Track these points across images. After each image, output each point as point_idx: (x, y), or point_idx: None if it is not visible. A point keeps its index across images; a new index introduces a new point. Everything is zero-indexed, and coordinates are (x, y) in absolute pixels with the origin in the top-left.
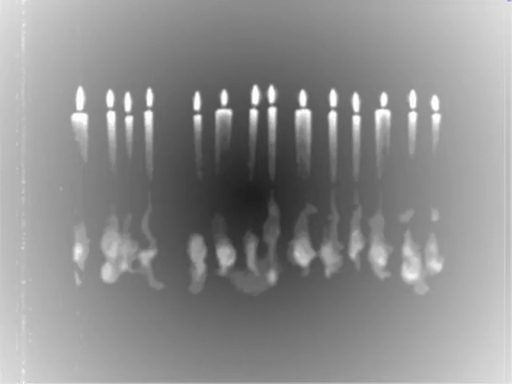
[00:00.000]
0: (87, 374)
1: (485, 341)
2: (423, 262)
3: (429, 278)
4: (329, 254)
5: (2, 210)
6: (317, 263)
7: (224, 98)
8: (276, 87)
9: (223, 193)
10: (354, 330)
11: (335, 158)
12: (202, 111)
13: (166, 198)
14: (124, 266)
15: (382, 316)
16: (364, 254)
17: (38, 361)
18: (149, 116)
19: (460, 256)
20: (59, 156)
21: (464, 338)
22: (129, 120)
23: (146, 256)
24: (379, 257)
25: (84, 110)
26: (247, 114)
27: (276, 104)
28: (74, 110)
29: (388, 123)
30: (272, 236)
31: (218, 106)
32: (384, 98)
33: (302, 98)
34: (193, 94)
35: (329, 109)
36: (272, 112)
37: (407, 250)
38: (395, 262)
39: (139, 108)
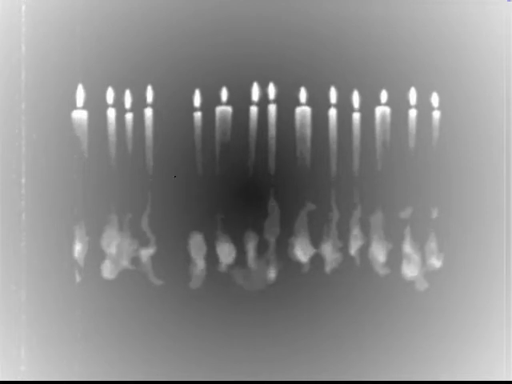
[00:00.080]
0: (87, 370)
1: (485, 338)
2: (423, 258)
3: (428, 275)
4: (329, 252)
5: (2, 208)
6: (317, 260)
7: (224, 94)
8: (276, 84)
9: (223, 190)
10: (354, 327)
11: (335, 155)
12: (202, 108)
13: (165, 195)
14: (124, 263)
15: (382, 313)
16: (364, 251)
17: (37, 358)
18: (149, 113)
19: (460, 253)
20: (59, 153)
21: (464, 334)
22: (129, 117)
23: (146, 253)
24: (379, 254)
25: (84, 107)
26: (247, 111)
27: (276, 101)
28: (74, 107)
29: (388, 120)
30: (272, 233)
31: (218, 102)
32: (384, 95)
33: (302, 95)
34: (193, 91)
35: (329, 106)
36: (272, 109)
37: (407, 247)
38: (395, 258)
39: (139, 105)
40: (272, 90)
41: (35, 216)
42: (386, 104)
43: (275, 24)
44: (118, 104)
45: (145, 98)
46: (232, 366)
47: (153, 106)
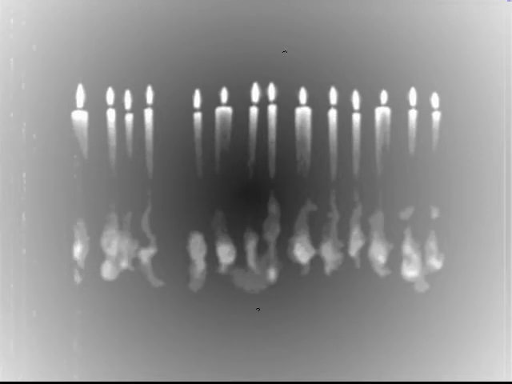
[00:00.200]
0: (87, 371)
1: (485, 338)
2: (423, 259)
3: (429, 276)
4: (329, 252)
5: (1, 208)
6: (317, 261)
7: (224, 95)
8: (276, 85)
9: (223, 190)
10: (353, 328)
11: (335, 156)
12: (202, 109)
13: (165, 195)
14: (124, 264)
15: (382, 313)
16: (364, 251)
17: (37, 358)
18: (149, 114)
19: (460, 253)
20: (59, 153)
21: (464, 335)
22: (129, 118)
23: (146, 254)
24: (379, 254)
25: (84, 108)
26: (247, 112)
27: (276, 102)
28: (74, 107)
29: (388, 121)
30: (272, 234)
31: (218, 103)
32: (384, 96)
33: (302, 95)
34: (193, 92)
35: (329, 106)
36: (272, 110)
37: (407, 248)
38: (395, 259)
39: (139, 106)
40: (272, 91)
41: (35, 216)
42: (386, 105)
43: (275, 24)
44: (118, 105)
45: (145, 99)
46: (232, 366)
47: (153, 106)
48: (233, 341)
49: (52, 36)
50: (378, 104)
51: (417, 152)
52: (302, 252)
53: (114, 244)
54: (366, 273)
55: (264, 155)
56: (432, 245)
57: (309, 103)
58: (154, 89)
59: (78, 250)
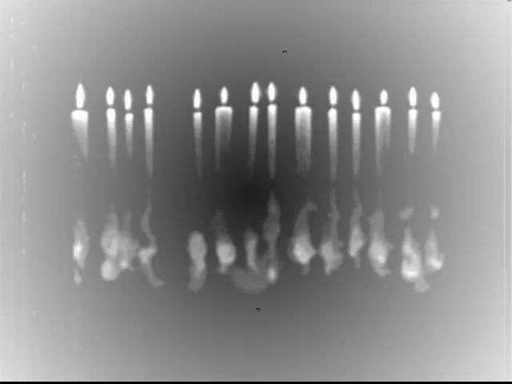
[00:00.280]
0: (87, 371)
1: (485, 338)
2: (423, 259)
3: (429, 276)
4: (329, 252)
5: (1, 208)
6: (317, 261)
7: (224, 95)
8: (276, 85)
9: (223, 190)
10: (353, 328)
11: (335, 156)
12: (202, 109)
13: (165, 195)
14: (124, 264)
15: (382, 313)
16: (364, 251)
17: (37, 358)
18: (149, 114)
19: (460, 253)
20: (59, 153)
21: (464, 335)
22: (129, 118)
23: (146, 254)
24: (379, 254)
25: (84, 108)
26: (247, 112)
27: (276, 102)
28: (74, 107)
29: (388, 121)
30: (272, 234)
31: (218, 103)
32: (384, 96)
33: (302, 95)
34: (193, 92)
35: (329, 106)
36: (272, 110)
37: (407, 248)
38: (395, 259)
39: (139, 106)
40: (272, 91)
41: (35, 216)
42: (386, 105)
43: (275, 24)
44: (118, 105)
45: (145, 99)
46: (232, 366)
47: (153, 106)
48: (233, 341)
49: (52, 36)
50: (378, 104)
51: (417, 152)
52: (301, 252)
53: (114, 244)
54: (366, 273)
55: (264, 155)
56: (432, 245)
57: (309, 103)
58: (153, 89)
59: (78, 249)
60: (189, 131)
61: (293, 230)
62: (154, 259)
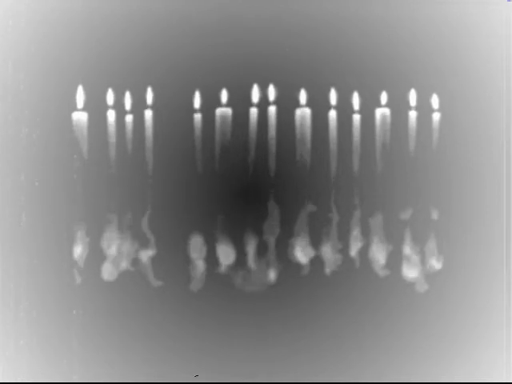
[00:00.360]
0: (87, 371)
1: (484, 340)
2: (423, 260)
3: (429, 276)
4: (329, 253)
5: (1, 209)
6: (317, 261)
7: (224, 96)
8: (276, 86)
9: (223, 191)
10: (353, 328)
11: (335, 157)
12: (202, 109)
13: (165, 196)
14: (124, 265)
15: (382, 314)
16: (364, 252)
17: (37, 359)
18: (149, 114)
19: (460, 254)
20: (59, 154)
21: (464, 335)
22: (129, 118)
23: (146, 254)
24: (379, 255)
25: (84, 109)
26: (247, 113)
27: (276, 102)
28: (74, 108)
29: (388, 121)
30: (272, 234)
31: (218, 104)
32: (384, 97)
33: (302, 96)
34: (193, 93)
35: (329, 107)
36: (272, 110)
37: (407, 249)
38: (395, 260)
39: (139, 106)
40: (272, 92)
41: (35, 217)
42: (386, 105)
43: (275, 25)
44: (118, 105)
45: (145, 100)
46: (231, 367)
47: (153, 107)
48: (233, 341)
49: (52, 36)
50: (378, 104)
51: (417, 153)
52: (301, 253)
53: (114, 244)
54: (366, 273)
55: (264, 156)
56: (432, 245)
57: (309, 104)
58: (154, 89)
59: (78, 250)
60: (189, 132)
61: (293, 230)
62: (154, 260)
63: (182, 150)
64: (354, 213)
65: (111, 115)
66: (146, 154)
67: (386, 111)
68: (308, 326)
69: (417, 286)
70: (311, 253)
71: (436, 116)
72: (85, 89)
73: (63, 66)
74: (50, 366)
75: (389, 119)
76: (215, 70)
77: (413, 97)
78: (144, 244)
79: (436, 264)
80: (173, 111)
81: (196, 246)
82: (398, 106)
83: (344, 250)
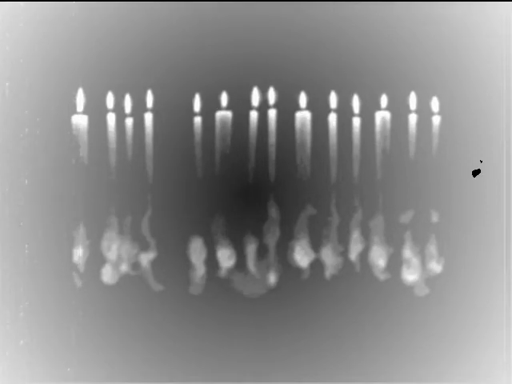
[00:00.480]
0: (87, 374)
1: (485, 341)
2: (423, 263)
3: (429, 280)
4: (329, 256)
5: (1, 211)
6: (317, 265)
7: (224, 99)
8: (276, 89)
9: (223, 194)
10: (353, 332)
11: (335, 160)
12: (202, 113)
13: (165, 199)
14: (124, 268)
15: (382, 317)
16: (364, 255)
17: (38, 362)
18: (149, 117)
19: (460, 257)
20: (59, 157)
21: (464, 339)
22: (129, 121)
23: (146, 257)
24: (379, 258)
25: (84, 112)
26: (247, 116)
27: (276, 105)
28: (74, 111)
29: (388, 125)
30: (272, 237)
31: (218, 107)
32: (384, 100)
33: (302, 99)
34: (193, 96)
35: (329, 110)
36: (272, 113)
37: (407, 252)
38: (395, 263)
39: (139, 109)
40: (272, 95)
41: (35, 220)
42: (386, 109)
43: (275, 27)
44: (118, 108)
45: (145, 103)
46: (231, 368)
47: (153, 110)
48: (233, 344)
49: (52, 38)
50: (378, 108)
51: (417, 156)
52: (302, 256)
53: (114, 248)
54: (366, 277)
55: (264, 159)
56: (432, 249)
57: (309, 107)
58: (154, 92)
59: (78, 253)
60: (189, 135)
61: (293, 233)
62: (154, 263)
63: (182, 152)
64: (354, 216)
65: (111, 118)
66: (146, 156)
67: (386, 114)
68: (308, 329)
69: (417, 290)
70: (311, 256)
71: (436, 119)
72: (85, 92)
73: (63, 69)
74: (49, 370)
75: (389, 122)
76: (215, 72)
77: (413, 100)
78: (144, 247)
79: (436, 267)
80: (173, 114)
81: (196, 250)
82: (398, 109)
83: (344, 254)
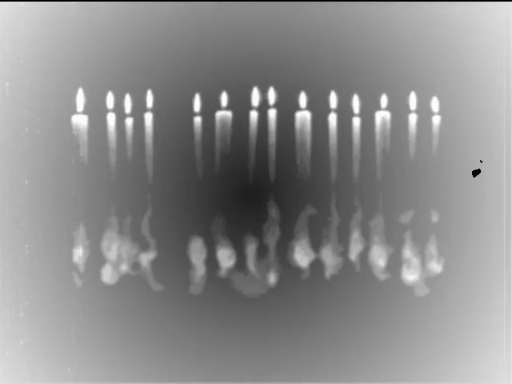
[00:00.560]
0: (87, 374)
1: (485, 341)
2: (423, 263)
3: (429, 280)
4: (329, 256)
5: (1, 212)
6: (317, 265)
7: (224, 99)
8: (276, 89)
9: (223, 194)
10: (353, 332)
11: (335, 160)
12: (202, 113)
13: (165, 199)
14: (124, 268)
15: (382, 317)
16: (364, 255)
17: (38, 362)
18: (149, 117)
19: (460, 257)
20: (59, 157)
21: (464, 338)
22: (129, 121)
23: (146, 257)
24: (379, 258)
25: (84, 112)
26: (247, 116)
27: (276, 105)
28: (74, 111)
29: (388, 125)
30: (272, 237)
31: (218, 107)
32: (384, 100)
33: (302, 99)
34: (193, 96)
35: (329, 110)
36: (272, 114)
37: (407, 252)
38: (395, 263)
39: (139, 109)
40: (272, 95)
41: (35, 220)
42: (386, 109)
43: (275, 27)
44: (118, 108)
45: (145, 103)
46: (231, 368)
47: (153, 110)
48: (233, 344)
49: (52, 38)
50: (378, 108)
51: (417, 156)
52: (301, 256)
53: (114, 248)
54: (366, 277)
55: (264, 159)
56: (432, 249)
57: (309, 107)
58: (154, 92)
59: (78, 253)
60: (189, 135)
61: (293, 233)
62: (154, 263)
63: (182, 152)
64: (354, 216)
65: (111, 118)
66: (145, 156)
67: (386, 114)
68: (308, 329)
69: (417, 290)
70: (311, 256)
71: (436, 119)
72: (85, 92)
73: (63, 69)
74: (50, 371)
75: (389, 122)
76: (215, 72)
77: (413, 100)
78: (144, 247)
79: (436, 267)
80: (173, 114)
81: (196, 250)
82: (398, 109)
83: (344, 254)
